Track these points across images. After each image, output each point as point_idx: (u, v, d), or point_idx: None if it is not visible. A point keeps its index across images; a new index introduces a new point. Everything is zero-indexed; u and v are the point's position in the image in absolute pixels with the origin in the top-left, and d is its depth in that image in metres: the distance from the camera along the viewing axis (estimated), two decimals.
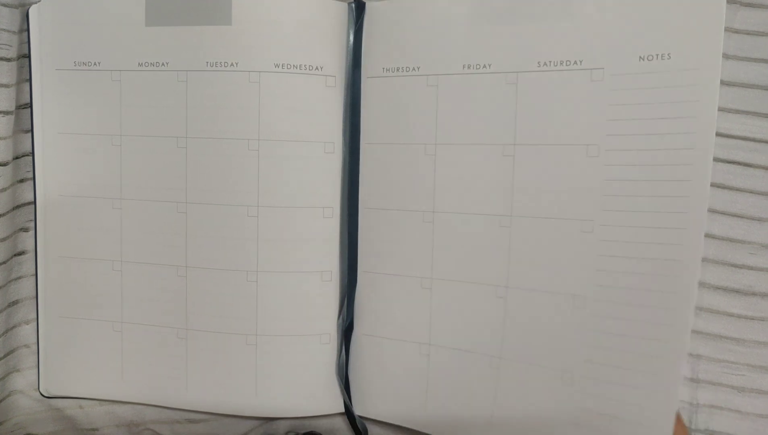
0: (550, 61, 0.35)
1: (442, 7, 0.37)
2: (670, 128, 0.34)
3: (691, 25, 0.34)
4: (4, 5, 0.38)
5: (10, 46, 0.39)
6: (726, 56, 0.39)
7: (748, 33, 0.39)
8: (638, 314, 0.34)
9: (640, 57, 0.34)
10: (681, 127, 0.34)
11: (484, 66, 0.37)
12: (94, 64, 0.40)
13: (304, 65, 0.38)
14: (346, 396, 0.41)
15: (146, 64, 0.39)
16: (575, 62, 0.35)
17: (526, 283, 0.37)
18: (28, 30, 0.40)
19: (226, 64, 0.38)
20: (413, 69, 0.38)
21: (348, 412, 0.41)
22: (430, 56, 0.38)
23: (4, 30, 0.38)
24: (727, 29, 0.39)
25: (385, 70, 0.39)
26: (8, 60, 0.39)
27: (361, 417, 0.41)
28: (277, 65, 0.38)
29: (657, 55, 0.33)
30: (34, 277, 0.42)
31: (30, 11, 0.40)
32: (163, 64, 0.39)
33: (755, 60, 0.39)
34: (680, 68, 0.33)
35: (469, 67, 0.37)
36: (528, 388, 0.37)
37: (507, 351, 0.38)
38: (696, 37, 0.34)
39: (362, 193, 0.40)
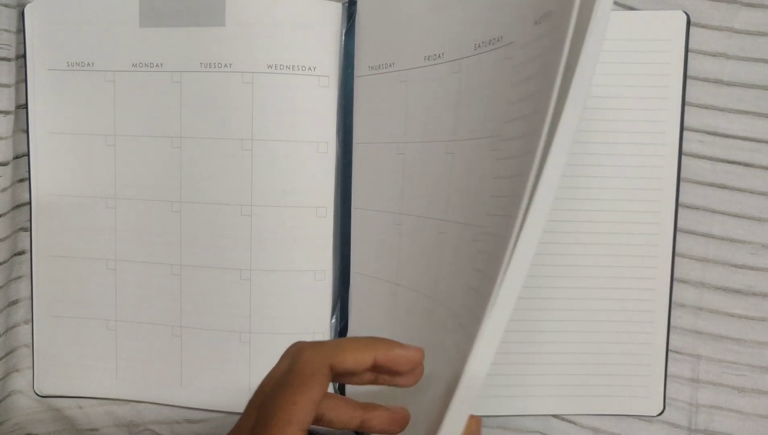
0: (482, 42, 0.33)
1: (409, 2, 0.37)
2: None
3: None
4: (4, 5, 0.38)
5: (10, 46, 0.39)
6: (726, 56, 0.39)
7: (748, 33, 0.39)
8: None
9: (535, 21, 0.29)
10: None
11: (439, 56, 0.36)
12: (88, 64, 0.40)
13: (297, 66, 0.38)
14: (340, 395, 0.41)
15: (140, 65, 0.40)
16: (498, 39, 0.32)
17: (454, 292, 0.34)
18: (23, 29, 0.40)
19: (219, 65, 0.39)
20: (389, 65, 0.38)
21: None
22: (401, 51, 0.37)
23: (3, 30, 0.38)
24: (727, 29, 0.39)
25: (370, 68, 0.39)
26: (8, 60, 0.39)
27: None
28: (270, 66, 0.38)
29: (546, 13, 0.28)
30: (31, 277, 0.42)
31: (26, 10, 0.40)
32: (157, 65, 0.39)
33: (755, 60, 0.39)
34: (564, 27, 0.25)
35: (428, 59, 0.37)
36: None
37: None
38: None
39: (352, 193, 0.40)
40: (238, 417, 0.41)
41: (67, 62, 0.40)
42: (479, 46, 0.33)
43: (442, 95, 0.36)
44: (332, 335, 0.41)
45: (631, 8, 0.39)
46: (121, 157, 0.40)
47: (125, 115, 0.40)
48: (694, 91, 0.39)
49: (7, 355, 0.42)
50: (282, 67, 0.38)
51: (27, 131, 0.41)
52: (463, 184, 0.33)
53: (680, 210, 0.39)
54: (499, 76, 0.31)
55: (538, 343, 0.39)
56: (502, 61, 0.31)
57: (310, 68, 0.39)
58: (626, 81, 0.38)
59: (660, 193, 0.38)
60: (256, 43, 0.38)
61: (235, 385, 0.41)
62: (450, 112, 0.35)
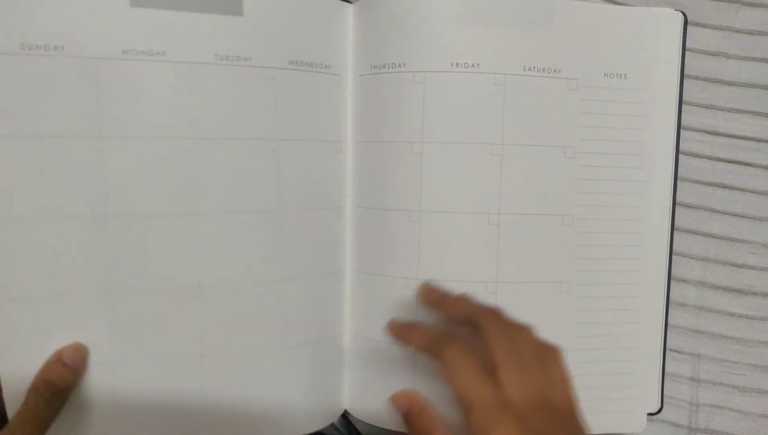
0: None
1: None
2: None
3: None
4: None
5: None
6: (726, 56, 0.39)
7: (748, 33, 0.39)
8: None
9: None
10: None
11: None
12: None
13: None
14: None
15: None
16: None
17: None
18: None
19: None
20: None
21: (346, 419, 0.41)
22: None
23: None
24: (727, 29, 0.39)
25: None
26: None
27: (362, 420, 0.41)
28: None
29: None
30: None
31: None
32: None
33: (755, 60, 0.39)
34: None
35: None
36: None
37: None
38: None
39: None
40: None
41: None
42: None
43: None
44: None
45: (623, 3, 0.39)
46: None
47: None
48: (694, 91, 0.39)
49: None
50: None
51: None
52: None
53: (680, 209, 0.39)
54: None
55: None
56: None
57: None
58: (613, 79, 0.38)
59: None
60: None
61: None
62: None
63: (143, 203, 0.34)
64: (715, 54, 0.39)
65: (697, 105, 0.40)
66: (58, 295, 0.33)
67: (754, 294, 0.40)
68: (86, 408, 0.34)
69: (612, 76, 0.38)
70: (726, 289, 0.40)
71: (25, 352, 0.33)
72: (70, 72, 0.32)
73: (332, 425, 0.41)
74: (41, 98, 0.32)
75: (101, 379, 0.34)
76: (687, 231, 0.40)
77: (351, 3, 0.39)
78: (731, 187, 0.40)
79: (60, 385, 0.32)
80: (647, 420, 0.39)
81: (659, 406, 0.39)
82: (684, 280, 0.40)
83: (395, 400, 0.34)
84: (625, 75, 0.38)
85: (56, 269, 0.33)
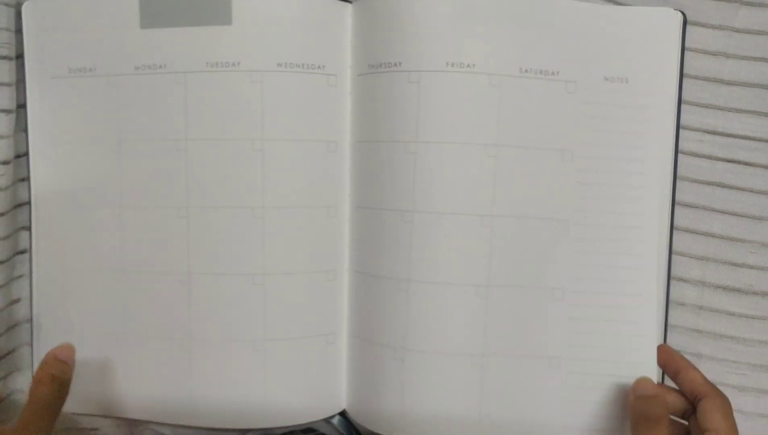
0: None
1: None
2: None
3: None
4: (4, 4, 0.38)
5: (10, 45, 0.39)
6: (726, 55, 0.39)
7: (748, 32, 0.39)
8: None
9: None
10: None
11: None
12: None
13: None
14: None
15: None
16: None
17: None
18: (21, 28, 0.39)
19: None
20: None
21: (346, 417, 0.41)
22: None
23: (3, 29, 0.38)
24: (727, 28, 0.39)
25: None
26: (8, 59, 0.39)
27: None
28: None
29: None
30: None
31: (23, 9, 0.39)
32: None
33: (755, 59, 0.39)
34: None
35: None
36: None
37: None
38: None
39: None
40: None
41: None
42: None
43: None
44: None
45: (623, 4, 0.39)
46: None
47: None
48: (694, 90, 0.39)
49: (8, 354, 0.42)
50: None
51: (26, 135, 0.40)
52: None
53: (680, 209, 0.39)
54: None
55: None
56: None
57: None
58: (614, 83, 0.38)
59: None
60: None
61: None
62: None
63: (148, 198, 0.39)
64: (714, 54, 0.39)
65: (696, 105, 0.40)
66: (87, 271, 0.40)
67: (754, 293, 0.40)
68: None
69: (613, 80, 0.37)
70: (726, 289, 0.40)
71: (61, 312, 0.41)
72: (99, 88, 0.39)
73: (332, 426, 0.41)
74: (80, 110, 0.40)
75: (112, 349, 0.41)
76: (687, 230, 0.40)
77: (351, 2, 0.39)
78: (731, 187, 0.40)
79: (61, 377, 0.37)
80: None
81: None
82: (684, 280, 0.40)
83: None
84: (626, 79, 0.37)
85: (86, 250, 0.40)
